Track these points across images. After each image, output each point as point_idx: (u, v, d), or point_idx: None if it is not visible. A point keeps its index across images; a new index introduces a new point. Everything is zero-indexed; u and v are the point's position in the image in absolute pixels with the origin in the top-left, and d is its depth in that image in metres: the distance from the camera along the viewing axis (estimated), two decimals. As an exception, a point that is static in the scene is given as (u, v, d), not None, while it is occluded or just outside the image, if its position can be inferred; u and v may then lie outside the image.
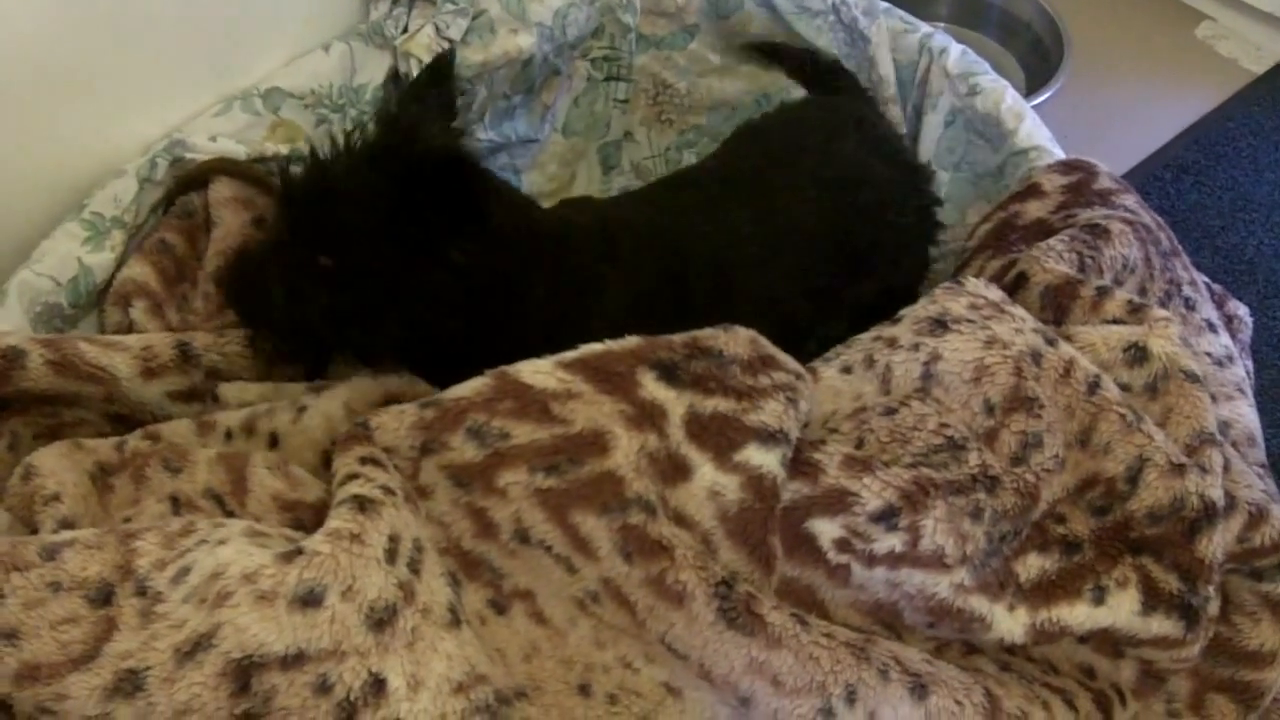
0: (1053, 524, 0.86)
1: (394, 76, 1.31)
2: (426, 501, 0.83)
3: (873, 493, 0.80)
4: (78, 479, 0.84)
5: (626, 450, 0.80)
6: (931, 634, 0.85)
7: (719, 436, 0.81)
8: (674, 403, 0.82)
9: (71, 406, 0.93)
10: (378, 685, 0.69)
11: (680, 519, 0.80)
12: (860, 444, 0.87)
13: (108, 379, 0.90)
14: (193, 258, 1.08)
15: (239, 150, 1.15)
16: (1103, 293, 0.95)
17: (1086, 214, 1.04)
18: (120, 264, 1.05)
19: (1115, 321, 0.93)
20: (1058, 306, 0.95)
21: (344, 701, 0.68)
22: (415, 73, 1.26)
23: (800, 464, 0.83)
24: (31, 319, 0.98)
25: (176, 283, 1.05)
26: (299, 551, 0.71)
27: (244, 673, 0.67)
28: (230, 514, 0.82)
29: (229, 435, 0.89)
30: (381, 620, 0.71)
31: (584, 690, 0.81)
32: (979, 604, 0.81)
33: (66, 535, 0.72)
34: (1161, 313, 0.93)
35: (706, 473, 0.80)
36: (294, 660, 0.68)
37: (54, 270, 1.01)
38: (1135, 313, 0.93)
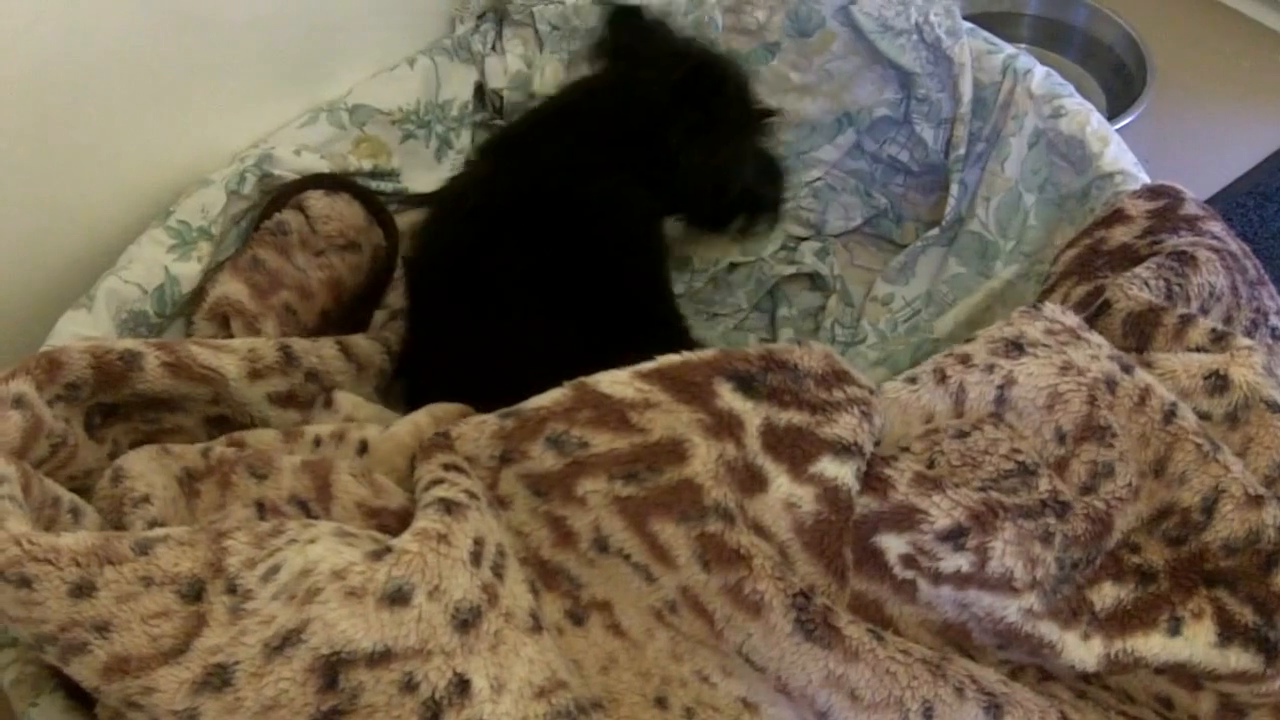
0: (1127, 553, 0.85)
1: (478, 92, 1.33)
2: (506, 512, 0.84)
3: (942, 511, 0.80)
4: (166, 482, 0.85)
5: (705, 458, 0.81)
6: (1003, 657, 0.84)
7: (793, 448, 0.82)
8: (751, 414, 0.83)
9: (174, 412, 0.95)
10: (462, 686, 0.70)
11: (758, 529, 0.81)
12: (931, 464, 0.86)
13: (218, 380, 0.92)
14: (290, 268, 1.10)
15: (323, 167, 1.17)
16: (1186, 320, 0.93)
17: (1173, 240, 1.03)
18: (206, 275, 1.07)
19: (1198, 349, 0.92)
20: (1140, 333, 0.94)
21: (429, 701, 0.69)
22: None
23: (871, 479, 0.83)
24: (118, 325, 1.00)
25: (270, 293, 1.07)
26: (388, 550, 0.72)
27: (331, 669, 0.68)
28: (315, 519, 0.83)
29: (318, 442, 0.91)
30: (466, 622, 0.72)
31: (661, 703, 0.81)
32: (1048, 630, 0.80)
33: (159, 532, 0.74)
34: (1245, 341, 0.91)
35: (782, 484, 0.81)
36: (381, 658, 0.69)
37: (141, 278, 1.03)
38: (1218, 341, 0.92)
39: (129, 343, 0.90)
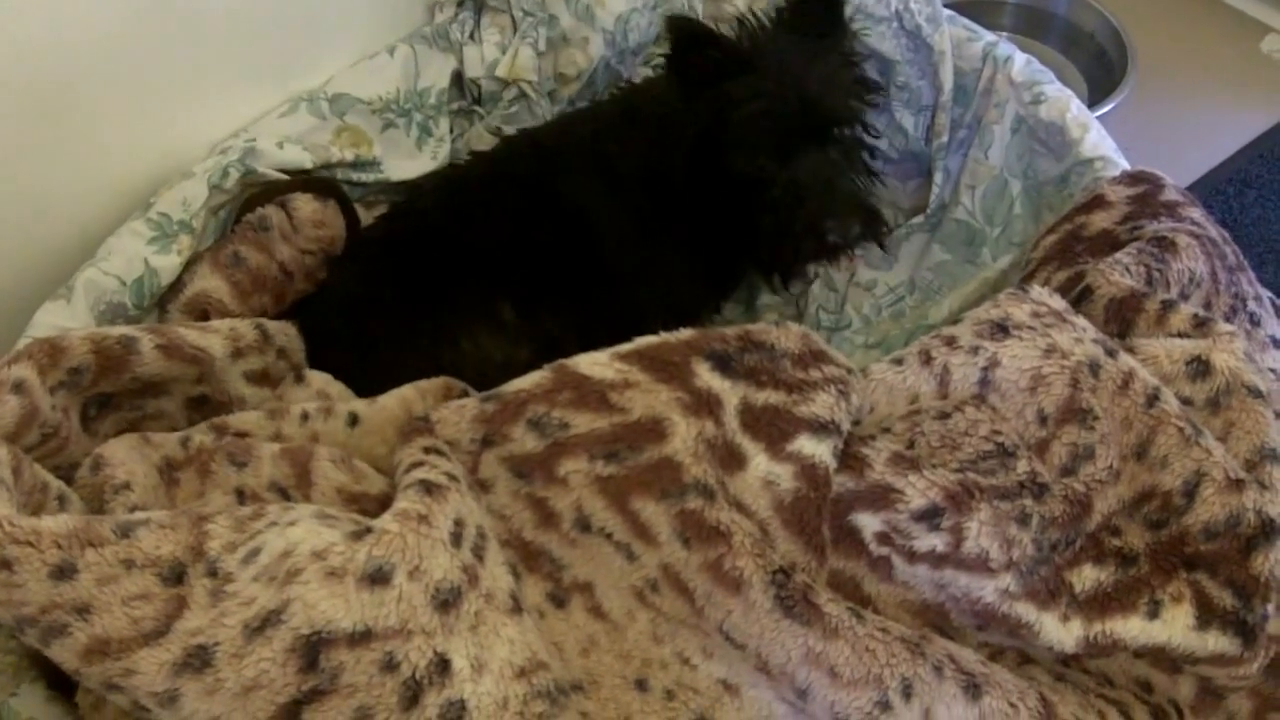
0: (1108, 536, 0.86)
1: (457, 80, 1.33)
2: (487, 495, 0.84)
3: (917, 491, 0.81)
4: (146, 470, 0.85)
5: (684, 436, 0.81)
6: (983, 638, 0.85)
7: (771, 427, 0.82)
8: (729, 393, 0.83)
9: (158, 396, 0.95)
10: (442, 665, 0.70)
11: (739, 506, 0.81)
12: (911, 445, 0.87)
13: (205, 359, 0.94)
14: (269, 269, 1.10)
15: (305, 159, 1.17)
16: (1167, 306, 0.94)
17: (1152, 226, 1.03)
18: (186, 269, 1.07)
19: (1180, 335, 0.92)
20: (1122, 319, 0.95)
21: (409, 680, 0.69)
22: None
23: (848, 458, 0.84)
24: (96, 316, 1.00)
25: (251, 295, 1.08)
26: (368, 530, 0.72)
27: (312, 649, 0.68)
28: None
29: (305, 417, 0.92)
30: (447, 602, 0.72)
31: (641, 685, 0.81)
32: (1026, 611, 0.81)
33: (141, 515, 0.74)
34: (1226, 327, 0.92)
35: (760, 462, 0.82)
36: (361, 637, 0.69)
37: (120, 270, 1.02)
38: (1200, 327, 0.92)
39: (123, 329, 0.91)
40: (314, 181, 1.16)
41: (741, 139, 1.02)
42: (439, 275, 1.07)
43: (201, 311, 1.05)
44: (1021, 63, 1.24)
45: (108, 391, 0.91)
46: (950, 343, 0.89)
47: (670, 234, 1.11)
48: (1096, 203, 1.10)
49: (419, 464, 0.80)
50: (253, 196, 1.13)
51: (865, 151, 1.08)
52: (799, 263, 1.07)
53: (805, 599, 0.77)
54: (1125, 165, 1.15)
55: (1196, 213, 1.07)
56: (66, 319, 0.98)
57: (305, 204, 1.12)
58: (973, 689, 0.78)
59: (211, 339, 0.94)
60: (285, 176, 1.15)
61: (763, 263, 1.11)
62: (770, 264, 1.10)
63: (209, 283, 1.06)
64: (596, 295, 1.11)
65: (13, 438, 0.80)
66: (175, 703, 0.68)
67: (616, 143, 1.12)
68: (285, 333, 1.02)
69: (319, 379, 1.00)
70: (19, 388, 0.81)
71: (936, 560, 0.80)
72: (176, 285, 1.06)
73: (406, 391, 0.92)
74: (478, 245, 1.09)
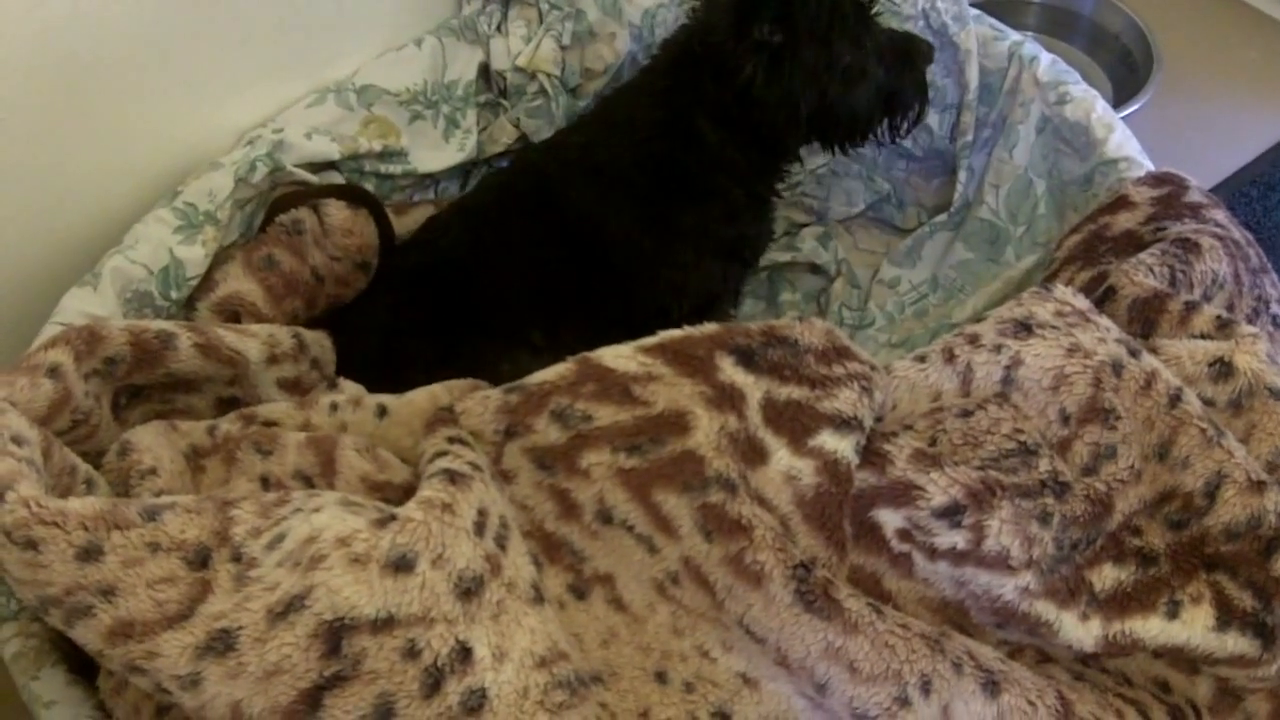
0: (1129, 536, 0.86)
1: (484, 73, 1.33)
2: (509, 486, 0.85)
3: (939, 488, 0.81)
4: (173, 456, 0.86)
5: (707, 430, 0.81)
6: (1002, 636, 0.85)
7: (793, 422, 0.82)
8: (752, 387, 0.83)
9: (189, 393, 0.96)
10: (464, 654, 0.71)
11: (760, 501, 0.81)
12: (933, 442, 0.87)
13: (241, 362, 0.94)
14: (302, 273, 1.11)
15: (333, 150, 1.17)
16: (1191, 307, 0.94)
17: (1176, 227, 1.03)
18: (216, 266, 1.07)
19: (1203, 336, 0.92)
20: (1145, 320, 0.95)
21: (431, 667, 0.69)
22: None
23: (870, 454, 0.84)
24: (123, 304, 1.00)
25: (284, 298, 1.08)
26: (392, 518, 0.73)
27: (335, 635, 0.68)
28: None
29: (334, 407, 0.92)
30: (469, 590, 0.72)
31: (660, 677, 0.82)
32: (1045, 609, 0.81)
33: (167, 499, 0.74)
34: (1249, 329, 0.92)
35: (782, 457, 0.81)
36: (384, 624, 0.69)
37: (146, 258, 1.02)
38: (1223, 328, 0.92)
39: (162, 323, 0.91)
40: (347, 189, 1.16)
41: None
42: (470, 306, 1.10)
43: (233, 313, 1.05)
44: (1047, 62, 1.24)
45: (139, 383, 0.92)
46: (973, 340, 0.89)
47: (674, 221, 1.14)
48: (1120, 203, 1.10)
49: (443, 453, 0.80)
50: (283, 197, 1.13)
51: None
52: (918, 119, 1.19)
53: (825, 594, 0.77)
54: (1150, 166, 1.15)
55: (1220, 214, 1.06)
56: (95, 306, 0.98)
57: (338, 210, 1.13)
58: (991, 686, 0.78)
59: (249, 343, 0.95)
60: (313, 178, 1.15)
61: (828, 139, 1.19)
62: (895, 120, 1.18)
63: (242, 285, 1.06)
64: (614, 305, 1.14)
65: (45, 421, 0.81)
66: (197, 686, 0.68)
67: (605, 149, 1.14)
68: (320, 343, 1.03)
69: (351, 388, 1.00)
70: (54, 372, 0.82)
71: (957, 557, 0.81)
72: (207, 283, 1.06)
73: (435, 388, 0.92)
74: (501, 275, 1.12)
